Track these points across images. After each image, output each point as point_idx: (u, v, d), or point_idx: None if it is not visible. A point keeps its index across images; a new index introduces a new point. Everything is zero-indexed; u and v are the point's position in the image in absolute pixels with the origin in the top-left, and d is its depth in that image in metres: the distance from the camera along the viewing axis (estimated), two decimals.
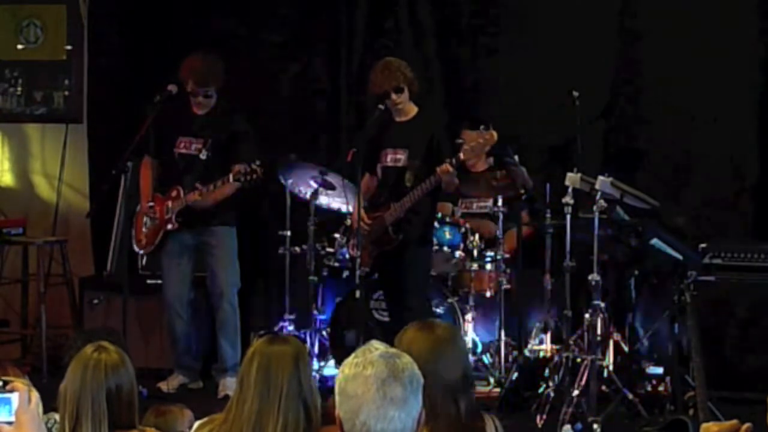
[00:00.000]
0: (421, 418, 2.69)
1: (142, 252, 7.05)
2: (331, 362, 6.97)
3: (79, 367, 3.21)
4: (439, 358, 3.25)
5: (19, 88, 8.40)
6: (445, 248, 6.88)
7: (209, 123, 6.75)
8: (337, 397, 2.68)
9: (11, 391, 2.45)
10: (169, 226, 6.68)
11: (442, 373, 3.23)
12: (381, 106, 6.26)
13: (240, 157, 6.61)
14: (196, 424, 3.17)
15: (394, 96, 6.25)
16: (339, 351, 6.89)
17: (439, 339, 3.29)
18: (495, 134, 6.08)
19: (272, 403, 2.93)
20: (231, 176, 6.49)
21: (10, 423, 2.44)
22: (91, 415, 3.16)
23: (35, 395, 2.48)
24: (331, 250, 6.99)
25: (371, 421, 2.61)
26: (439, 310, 6.92)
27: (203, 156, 6.70)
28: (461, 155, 6.13)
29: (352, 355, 2.70)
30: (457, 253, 6.92)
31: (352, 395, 2.63)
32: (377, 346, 2.71)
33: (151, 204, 6.73)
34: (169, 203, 6.68)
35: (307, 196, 6.97)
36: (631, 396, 6.00)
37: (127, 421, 3.24)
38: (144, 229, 6.81)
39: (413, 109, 6.40)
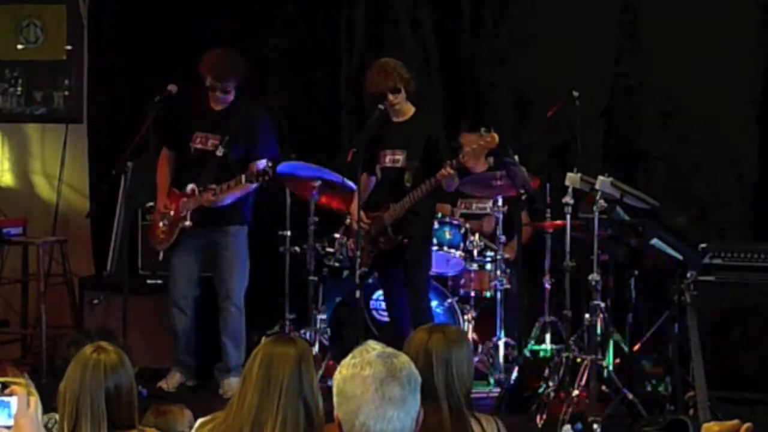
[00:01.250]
0: (420, 418, 2.69)
1: (159, 249, 7.03)
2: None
3: (78, 368, 3.21)
4: (447, 360, 3.27)
5: (19, 88, 8.40)
6: (445, 248, 6.88)
7: (227, 119, 6.74)
8: (335, 398, 2.68)
9: (10, 394, 2.44)
10: (187, 223, 6.67)
11: (444, 377, 3.25)
12: (380, 106, 6.26)
13: (260, 153, 6.64)
14: (198, 422, 3.17)
15: (390, 97, 6.25)
16: (339, 351, 6.89)
17: (447, 343, 3.32)
18: (496, 137, 6.08)
19: (272, 399, 2.93)
20: (243, 177, 6.50)
21: (8, 427, 2.44)
22: (91, 416, 3.16)
23: (34, 399, 2.47)
24: (331, 250, 6.98)
25: (370, 421, 2.61)
26: (439, 310, 6.92)
27: (219, 153, 6.69)
28: (462, 158, 6.13)
29: (350, 355, 2.70)
30: (457, 253, 6.93)
31: (351, 396, 2.63)
32: (374, 346, 2.71)
33: (165, 205, 6.75)
34: (184, 200, 6.68)
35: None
36: (631, 396, 5.99)
37: (126, 421, 3.24)
38: (161, 226, 6.79)
39: (410, 110, 6.40)
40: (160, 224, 6.80)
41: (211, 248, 6.81)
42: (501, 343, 6.88)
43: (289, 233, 7.02)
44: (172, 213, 6.73)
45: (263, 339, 3.18)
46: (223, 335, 6.78)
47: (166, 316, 6.90)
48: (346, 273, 7.01)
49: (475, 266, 7.03)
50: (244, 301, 6.82)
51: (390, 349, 2.72)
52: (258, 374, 2.97)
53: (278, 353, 2.99)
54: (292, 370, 2.95)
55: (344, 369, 2.67)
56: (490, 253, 7.00)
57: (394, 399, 2.62)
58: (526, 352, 6.69)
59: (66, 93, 8.36)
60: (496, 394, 6.45)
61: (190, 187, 6.67)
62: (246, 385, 2.99)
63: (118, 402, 3.21)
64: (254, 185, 6.58)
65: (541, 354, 6.78)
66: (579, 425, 5.74)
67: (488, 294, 7.06)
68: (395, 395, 2.62)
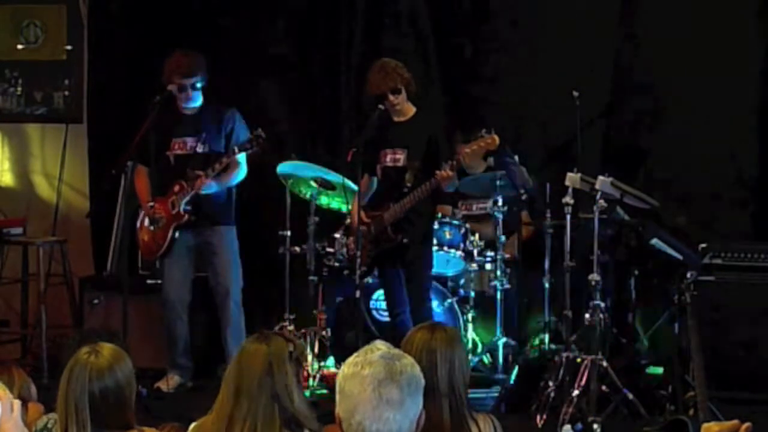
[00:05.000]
0: (421, 421, 2.68)
1: (154, 258, 7.01)
2: (331, 362, 6.97)
3: (67, 370, 3.22)
4: (450, 358, 3.27)
5: (19, 88, 8.41)
6: (445, 248, 6.88)
7: (200, 119, 6.75)
8: (337, 396, 2.68)
9: None
10: (184, 217, 6.66)
11: (447, 374, 3.25)
12: (381, 106, 6.26)
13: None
14: (192, 425, 3.17)
15: (391, 97, 6.26)
16: (339, 351, 6.90)
17: (449, 340, 3.32)
18: (497, 138, 6.07)
19: (241, 405, 2.94)
20: (235, 148, 6.52)
21: None
22: (75, 418, 3.16)
23: (17, 403, 2.49)
24: (331, 250, 6.98)
25: (366, 421, 2.61)
26: (439, 310, 6.93)
27: (200, 150, 6.71)
28: (462, 158, 6.12)
29: (355, 354, 2.71)
30: (457, 253, 6.93)
31: (349, 394, 2.64)
32: (380, 347, 2.71)
33: (152, 204, 6.73)
34: (173, 198, 6.68)
35: (308, 196, 7.00)
36: (631, 396, 5.99)
37: (116, 423, 3.23)
38: (152, 229, 6.77)
39: (411, 110, 6.40)
40: (151, 228, 6.78)
41: (203, 249, 6.81)
42: (501, 343, 6.88)
43: (289, 233, 7.02)
44: (163, 215, 6.72)
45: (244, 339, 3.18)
46: (225, 333, 6.77)
47: (164, 322, 6.90)
48: (346, 273, 7.02)
49: (475, 266, 7.03)
50: (241, 299, 6.82)
51: (396, 351, 2.72)
52: (229, 379, 2.98)
53: (249, 354, 2.99)
54: (262, 372, 2.95)
55: (346, 367, 2.68)
56: (490, 253, 7.01)
57: (391, 401, 2.61)
58: (526, 352, 6.69)
59: (66, 93, 8.37)
60: (496, 394, 6.45)
61: (176, 185, 6.67)
62: (223, 388, 3.00)
63: (105, 405, 3.20)
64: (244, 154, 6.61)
65: (541, 354, 6.79)
66: (579, 425, 5.74)
67: (488, 294, 7.06)
68: (392, 397, 2.61)
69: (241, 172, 6.75)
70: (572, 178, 6.17)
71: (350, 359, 2.69)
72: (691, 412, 5.49)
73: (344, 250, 6.79)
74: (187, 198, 6.66)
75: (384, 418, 2.60)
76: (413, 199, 6.21)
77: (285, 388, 2.97)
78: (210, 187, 6.63)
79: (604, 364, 6.10)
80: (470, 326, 7.01)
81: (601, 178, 6.07)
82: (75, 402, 3.17)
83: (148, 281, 7.35)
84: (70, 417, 3.17)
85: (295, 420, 2.96)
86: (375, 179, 6.52)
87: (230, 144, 6.71)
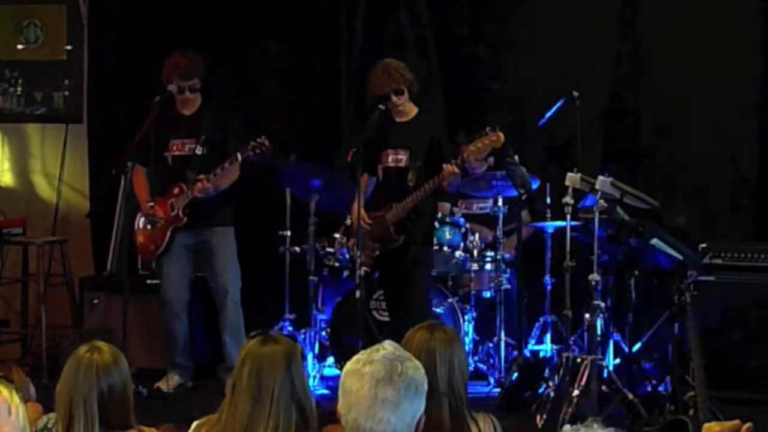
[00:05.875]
0: (420, 424, 2.68)
1: (152, 258, 7.02)
2: (331, 362, 6.98)
3: (72, 368, 3.22)
4: (450, 358, 3.27)
5: (19, 88, 8.40)
6: (445, 248, 6.88)
7: (200, 121, 6.75)
8: (339, 390, 2.69)
9: None
10: (183, 220, 6.67)
11: (446, 374, 3.25)
12: (381, 106, 6.26)
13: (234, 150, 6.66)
14: (194, 424, 3.17)
15: (394, 98, 6.26)
16: (339, 351, 6.89)
17: (448, 341, 3.32)
18: (502, 136, 6.07)
19: (264, 407, 2.93)
20: (238, 154, 6.50)
21: None
22: (83, 416, 3.16)
23: (16, 406, 2.48)
24: (331, 250, 6.99)
25: (361, 419, 2.62)
26: (439, 310, 6.93)
27: (199, 152, 6.71)
28: (466, 156, 6.12)
29: (362, 351, 2.71)
30: (457, 253, 6.93)
31: (348, 391, 2.65)
32: (386, 347, 2.71)
33: (151, 204, 6.73)
34: (173, 200, 6.69)
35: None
36: (631, 396, 5.99)
37: (120, 422, 3.24)
38: (148, 230, 6.77)
39: (413, 110, 6.40)
40: (147, 228, 6.78)
41: (202, 249, 6.81)
42: (501, 343, 6.88)
43: (289, 233, 7.03)
44: (161, 216, 6.73)
45: (247, 340, 3.15)
46: (224, 333, 6.77)
47: (163, 321, 6.90)
48: (346, 274, 7.02)
49: (475, 266, 7.03)
50: (240, 299, 6.82)
51: (403, 353, 2.72)
52: (248, 383, 2.96)
53: (267, 355, 2.96)
54: (283, 374, 2.94)
55: (350, 363, 2.69)
56: (490, 253, 7.01)
57: (387, 401, 2.61)
58: (526, 352, 6.70)
59: (66, 93, 8.36)
60: (496, 394, 6.46)
61: (176, 187, 6.67)
62: (237, 391, 2.98)
63: (111, 403, 3.21)
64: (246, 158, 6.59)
65: (541, 354, 6.79)
66: (579, 425, 5.72)
67: (488, 294, 7.06)
68: (388, 397, 2.61)
69: (236, 175, 6.73)
70: (572, 178, 6.17)
71: (356, 356, 2.70)
72: (691, 412, 5.48)
73: (345, 250, 6.79)
74: (186, 201, 6.66)
75: (378, 417, 2.61)
76: (416, 198, 6.20)
77: (303, 387, 2.97)
78: (209, 191, 6.63)
79: (604, 364, 6.10)
80: (470, 326, 7.01)
81: (601, 178, 6.07)
82: (83, 400, 3.16)
83: (148, 281, 7.35)
84: (75, 417, 3.16)
85: (306, 417, 2.97)
86: (374, 179, 6.52)
87: (228, 147, 6.70)
